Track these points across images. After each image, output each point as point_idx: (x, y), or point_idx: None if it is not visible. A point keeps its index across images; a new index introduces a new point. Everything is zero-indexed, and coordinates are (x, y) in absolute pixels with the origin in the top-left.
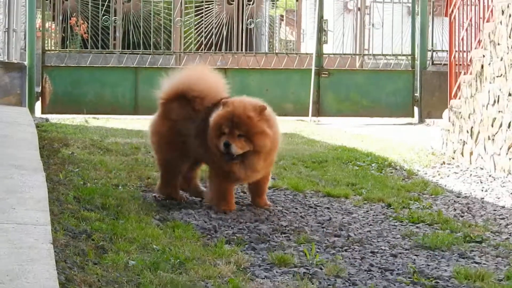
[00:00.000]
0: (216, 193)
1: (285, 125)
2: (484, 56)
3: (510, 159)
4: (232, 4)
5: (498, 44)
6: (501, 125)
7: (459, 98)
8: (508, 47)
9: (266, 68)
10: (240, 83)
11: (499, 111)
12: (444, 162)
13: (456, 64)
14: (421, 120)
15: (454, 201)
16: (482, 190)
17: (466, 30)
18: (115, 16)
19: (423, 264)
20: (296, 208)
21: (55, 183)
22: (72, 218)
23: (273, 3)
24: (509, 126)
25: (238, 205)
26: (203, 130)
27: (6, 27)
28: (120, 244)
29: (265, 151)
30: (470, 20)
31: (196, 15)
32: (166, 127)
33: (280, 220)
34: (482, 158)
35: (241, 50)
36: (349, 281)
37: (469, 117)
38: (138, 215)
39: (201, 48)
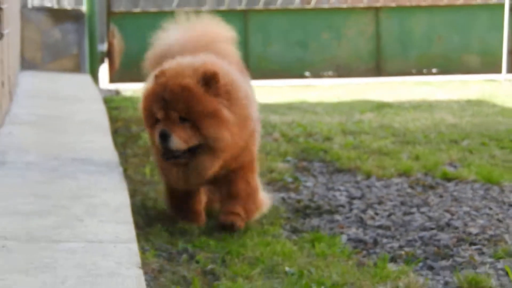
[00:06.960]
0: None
1: (468, 87)
2: None
3: None
4: None
5: None
6: None
7: None
8: None
9: (436, 5)
10: (399, 28)
11: None
12: None
13: None
14: None
15: None
16: None
17: None
18: None
19: None
20: (490, 208)
21: (137, 182)
22: (165, 232)
23: None
24: None
25: (404, 206)
26: None
27: None
28: (237, 267)
29: (222, 147)
30: None
31: None
32: None
33: (467, 225)
34: None
35: None
36: None
37: None
38: (260, 225)
39: None
